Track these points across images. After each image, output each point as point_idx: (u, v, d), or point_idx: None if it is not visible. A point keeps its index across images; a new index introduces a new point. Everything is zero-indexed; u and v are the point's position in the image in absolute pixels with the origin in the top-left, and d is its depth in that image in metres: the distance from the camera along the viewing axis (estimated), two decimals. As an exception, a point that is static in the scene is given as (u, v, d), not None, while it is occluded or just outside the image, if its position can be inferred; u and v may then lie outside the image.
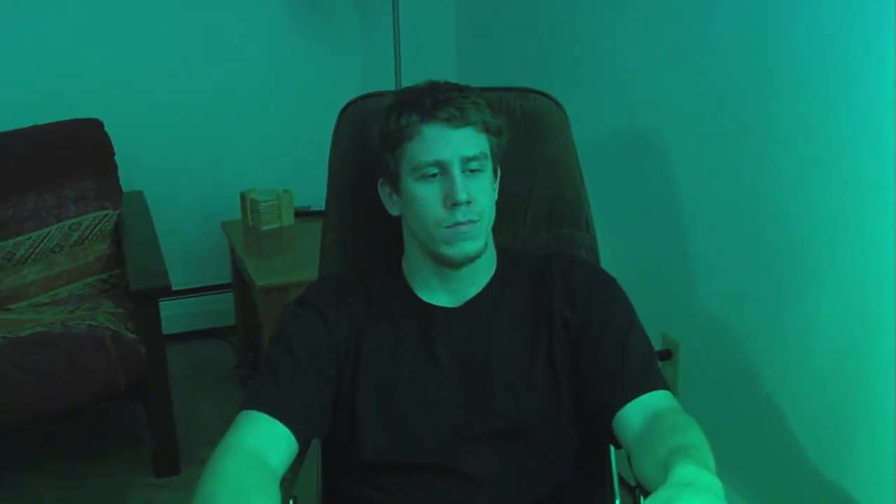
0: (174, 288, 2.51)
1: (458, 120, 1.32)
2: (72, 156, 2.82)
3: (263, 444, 1.23)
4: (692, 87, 2.13)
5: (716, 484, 0.99)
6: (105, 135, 2.84)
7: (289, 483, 1.32)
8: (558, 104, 1.62)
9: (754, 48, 1.90)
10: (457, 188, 1.30)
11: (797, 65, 1.80)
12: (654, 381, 1.30)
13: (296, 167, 3.28)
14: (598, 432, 1.36)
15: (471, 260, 1.35)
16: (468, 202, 1.31)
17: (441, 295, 1.41)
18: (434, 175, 1.32)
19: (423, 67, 3.21)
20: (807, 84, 1.78)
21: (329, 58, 3.39)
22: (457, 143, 1.31)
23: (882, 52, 1.59)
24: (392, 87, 2.88)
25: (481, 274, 1.42)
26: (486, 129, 1.35)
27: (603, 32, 2.49)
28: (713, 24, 2.03)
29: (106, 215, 2.80)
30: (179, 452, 2.57)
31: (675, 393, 1.31)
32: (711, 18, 2.03)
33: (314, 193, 2.52)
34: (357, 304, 1.41)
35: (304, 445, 1.33)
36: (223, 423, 1.28)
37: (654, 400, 1.27)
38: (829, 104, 1.74)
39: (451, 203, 1.30)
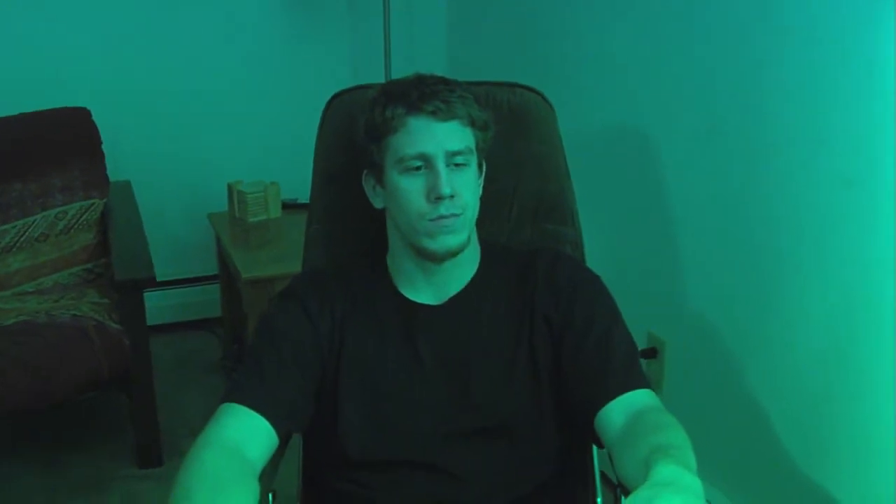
0: (160, 279, 2.50)
1: (444, 113, 1.31)
2: (58, 144, 2.81)
3: (243, 437, 1.23)
4: (680, 84, 2.12)
5: (696, 484, 0.99)
6: (92, 123, 2.82)
7: (268, 477, 1.31)
8: (545, 99, 1.61)
9: (743, 47, 1.90)
10: (441, 182, 1.29)
11: (786, 65, 1.79)
12: (637, 380, 1.29)
13: (283, 159, 3.25)
14: (579, 430, 1.36)
15: (453, 254, 1.34)
16: (452, 196, 1.30)
17: (424, 292, 1.40)
18: (418, 168, 1.31)
19: (413, 61, 3.20)
20: (795, 84, 1.77)
21: (318, 50, 3.37)
22: (442, 137, 1.30)
23: (873, 53, 1.58)
24: (381, 81, 2.87)
25: (464, 269, 1.41)
26: (472, 124, 1.34)
27: (591, 29, 2.48)
28: (701, 21, 2.02)
29: (92, 205, 2.78)
30: (162, 444, 2.56)
31: (660, 391, 1.31)
32: (700, 16, 2.02)
33: (301, 186, 2.48)
34: (340, 299, 1.40)
35: (284, 439, 1.32)
36: (207, 415, 1.27)
37: (637, 398, 1.27)
38: (817, 105, 1.73)
39: (435, 197, 1.29)
